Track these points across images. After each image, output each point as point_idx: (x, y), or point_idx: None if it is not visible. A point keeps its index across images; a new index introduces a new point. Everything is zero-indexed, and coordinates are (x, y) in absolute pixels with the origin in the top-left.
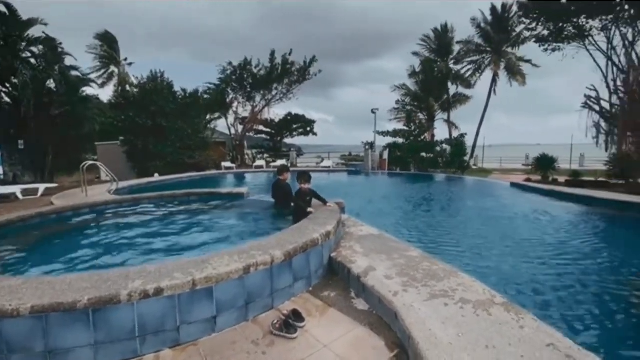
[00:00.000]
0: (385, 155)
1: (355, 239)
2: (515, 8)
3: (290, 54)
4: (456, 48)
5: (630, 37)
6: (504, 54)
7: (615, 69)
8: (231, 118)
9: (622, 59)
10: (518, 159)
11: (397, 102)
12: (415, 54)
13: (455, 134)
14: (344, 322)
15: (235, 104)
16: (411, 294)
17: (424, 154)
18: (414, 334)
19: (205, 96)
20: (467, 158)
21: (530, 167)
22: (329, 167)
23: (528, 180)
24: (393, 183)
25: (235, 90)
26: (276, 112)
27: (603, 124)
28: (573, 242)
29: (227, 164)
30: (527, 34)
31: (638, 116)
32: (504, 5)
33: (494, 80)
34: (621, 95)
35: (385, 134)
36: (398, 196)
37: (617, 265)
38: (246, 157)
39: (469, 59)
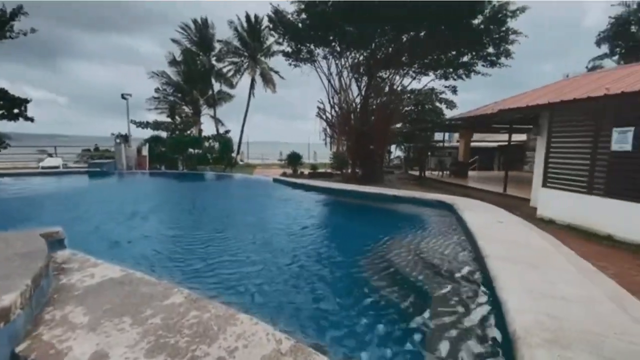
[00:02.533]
0: (145, 150)
1: (78, 296)
2: (266, 21)
3: None
4: (218, 46)
5: (340, 67)
6: (259, 61)
7: (332, 89)
8: None
9: (337, 82)
10: (275, 155)
11: (157, 90)
12: (175, 41)
13: (222, 130)
14: None
15: None
16: None
17: (192, 150)
18: None
19: None
20: (234, 154)
21: (284, 162)
22: (58, 167)
23: (284, 174)
24: (156, 185)
25: None
26: None
27: (328, 129)
28: (318, 224)
29: None
30: (276, 47)
31: (346, 126)
32: (256, 17)
33: (252, 85)
34: (337, 109)
35: (144, 125)
36: (162, 203)
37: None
38: None
39: (230, 60)
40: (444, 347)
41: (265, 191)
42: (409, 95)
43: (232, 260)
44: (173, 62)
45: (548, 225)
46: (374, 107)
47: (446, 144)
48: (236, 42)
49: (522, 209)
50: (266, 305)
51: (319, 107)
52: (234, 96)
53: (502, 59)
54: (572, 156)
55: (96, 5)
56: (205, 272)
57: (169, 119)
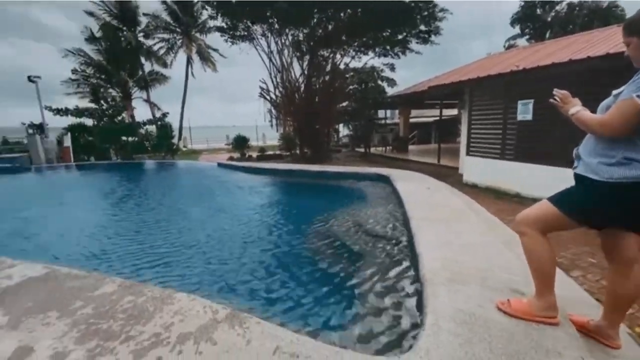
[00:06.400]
0: (68, 141)
1: None
2: None
3: None
4: (144, 20)
5: (280, 45)
6: (195, 38)
7: (275, 68)
8: None
9: (278, 61)
10: (221, 139)
11: (75, 71)
12: (90, 14)
13: (158, 115)
14: None
15: None
16: None
17: (125, 138)
18: None
19: None
20: (175, 140)
21: (230, 146)
22: None
23: (231, 158)
24: (82, 179)
25: None
26: None
27: (273, 110)
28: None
29: None
30: (211, 23)
31: (292, 106)
32: None
33: (189, 63)
34: (281, 89)
35: (63, 112)
36: (92, 197)
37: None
38: None
39: (160, 36)
40: (372, 296)
41: (208, 178)
42: (351, 74)
43: (183, 250)
44: (92, 39)
45: (472, 189)
46: (318, 86)
47: (388, 121)
48: (166, 16)
49: (453, 176)
50: (206, 283)
51: (261, 87)
52: (169, 77)
53: (433, 37)
54: (488, 126)
55: None
56: (158, 267)
57: (93, 104)
